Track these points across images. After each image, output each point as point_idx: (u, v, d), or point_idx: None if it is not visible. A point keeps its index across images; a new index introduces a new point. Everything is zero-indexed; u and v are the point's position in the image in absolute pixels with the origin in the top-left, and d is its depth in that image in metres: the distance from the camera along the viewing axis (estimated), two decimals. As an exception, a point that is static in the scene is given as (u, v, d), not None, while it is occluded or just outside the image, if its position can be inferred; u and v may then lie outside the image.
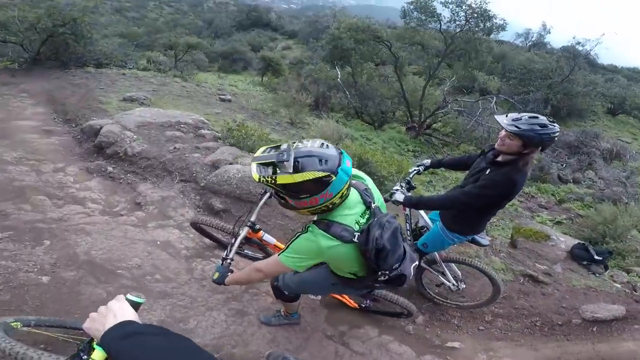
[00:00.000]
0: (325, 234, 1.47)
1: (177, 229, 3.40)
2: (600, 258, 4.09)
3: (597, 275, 3.96)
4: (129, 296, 0.97)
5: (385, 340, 2.76)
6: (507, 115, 2.16)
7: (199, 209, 3.76)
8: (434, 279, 3.12)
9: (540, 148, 2.18)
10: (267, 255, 2.97)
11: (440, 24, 13.56)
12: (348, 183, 1.44)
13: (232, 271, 1.98)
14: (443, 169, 2.73)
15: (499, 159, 2.31)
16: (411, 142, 12.50)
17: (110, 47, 11.21)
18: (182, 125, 5.48)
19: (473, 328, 3.11)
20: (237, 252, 2.25)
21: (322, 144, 1.42)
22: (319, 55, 22.35)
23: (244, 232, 2.25)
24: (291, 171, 1.34)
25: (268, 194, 2.41)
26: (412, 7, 13.72)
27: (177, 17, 36.91)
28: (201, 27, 33.90)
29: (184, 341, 0.76)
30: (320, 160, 1.35)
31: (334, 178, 1.37)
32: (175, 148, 4.64)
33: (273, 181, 1.38)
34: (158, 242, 3.17)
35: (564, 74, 16.91)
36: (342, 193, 1.45)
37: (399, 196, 2.51)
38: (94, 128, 5.00)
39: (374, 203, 1.62)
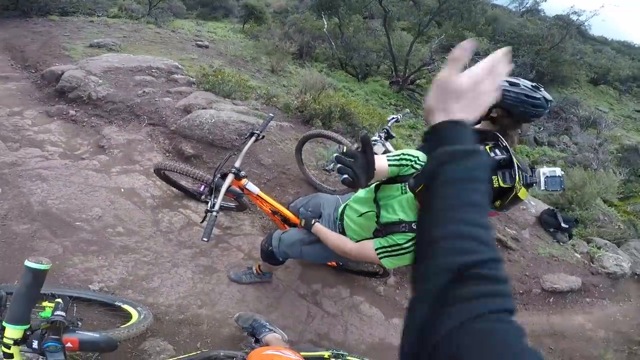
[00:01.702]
0: None
1: (144, 174, 3.25)
2: (567, 226, 4.22)
3: (561, 243, 4.12)
4: (28, 262, 0.88)
5: (357, 301, 2.79)
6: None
7: (167, 154, 3.63)
8: None
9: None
10: (241, 205, 2.83)
11: None
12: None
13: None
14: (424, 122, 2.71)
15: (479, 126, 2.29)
16: (394, 96, 12.40)
17: (76, -5, 10.06)
18: (153, 70, 5.18)
19: None
20: (205, 200, 2.05)
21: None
22: (305, 4, 21.14)
23: (229, 179, 2.01)
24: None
25: (254, 138, 2.25)
26: None
27: None
28: None
29: None
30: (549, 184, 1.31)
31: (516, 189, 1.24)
32: (144, 92, 4.39)
33: (517, 191, 1.27)
34: (122, 190, 3.00)
35: (554, 41, 16.68)
36: None
37: (379, 148, 2.49)
38: (55, 73, 4.62)
39: None
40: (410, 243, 1.47)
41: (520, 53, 16.56)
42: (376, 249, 1.59)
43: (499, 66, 0.62)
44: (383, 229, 1.58)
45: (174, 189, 3.12)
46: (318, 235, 1.90)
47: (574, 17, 18.24)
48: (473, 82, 0.58)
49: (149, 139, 3.75)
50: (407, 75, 13.32)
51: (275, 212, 2.35)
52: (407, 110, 2.97)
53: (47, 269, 0.93)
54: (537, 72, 15.95)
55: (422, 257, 0.52)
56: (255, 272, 2.50)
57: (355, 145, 2.84)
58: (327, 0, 14.46)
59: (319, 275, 2.82)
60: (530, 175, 1.25)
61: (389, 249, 1.54)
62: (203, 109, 3.94)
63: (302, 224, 1.99)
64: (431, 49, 13.46)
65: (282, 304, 2.53)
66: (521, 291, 3.44)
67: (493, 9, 21.67)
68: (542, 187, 1.29)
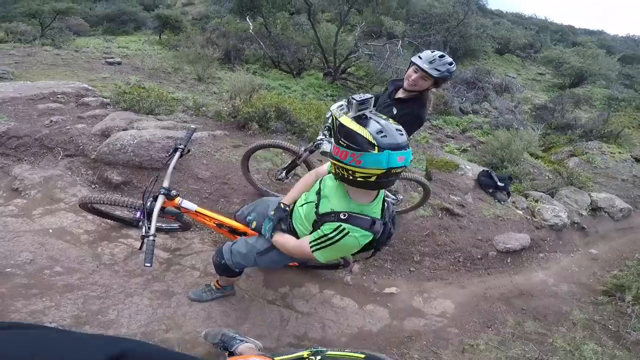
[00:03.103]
0: (368, 232, 1.48)
1: (72, 212, 2.94)
2: (503, 184, 4.50)
3: (502, 202, 4.38)
4: None
5: (328, 295, 2.80)
6: (421, 57, 2.24)
7: (93, 185, 3.28)
8: None
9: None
10: (185, 224, 2.73)
11: None
12: (386, 171, 1.33)
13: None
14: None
15: (401, 95, 2.41)
16: (329, 87, 12.58)
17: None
18: (59, 96, 4.64)
19: (405, 270, 3.31)
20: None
21: (399, 129, 1.36)
22: (226, 8, 20.57)
23: (159, 201, 1.92)
24: (356, 120, 1.33)
25: (178, 154, 2.14)
26: None
27: None
28: None
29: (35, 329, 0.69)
30: (380, 132, 1.30)
31: (374, 152, 1.29)
32: (52, 121, 3.92)
33: (337, 116, 1.41)
34: (50, 231, 2.73)
35: (459, 18, 18.12)
36: (375, 174, 1.34)
37: (327, 146, 2.49)
38: None
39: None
40: (335, 232, 1.48)
41: (433, 32, 17.79)
42: (309, 242, 1.59)
43: None
44: (319, 220, 1.57)
45: (109, 221, 2.89)
46: (277, 241, 1.85)
47: None
48: None
49: (69, 173, 3.34)
50: (337, 65, 13.59)
51: (220, 225, 2.27)
52: (341, 103, 2.99)
53: None
54: (450, 48, 17.29)
55: None
56: (214, 287, 2.41)
57: (303, 148, 2.83)
58: (247, 1, 14.09)
59: (284, 277, 2.79)
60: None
61: (319, 241, 1.54)
62: (123, 130, 3.61)
63: (253, 228, 1.96)
64: (355, 37, 13.86)
65: (251, 314, 2.48)
66: (479, 256, 3.63)
67: None
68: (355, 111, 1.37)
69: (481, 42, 19.02)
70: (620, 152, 7.38)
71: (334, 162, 1.41)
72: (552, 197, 4.98)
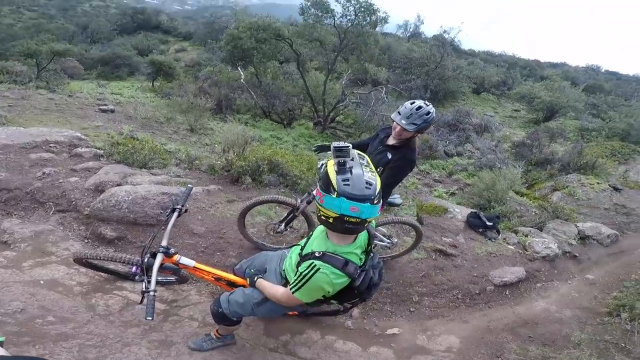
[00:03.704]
0: (340, 272, 1.56)
1: (64, 265, 2.91)
2: (491, 223, 4.69)
3: (493, 240, 4.55)
4: None
5: (330, 340, 2.78)
6: (399, 113, 2.55)
7: (86, 240, 3.24)
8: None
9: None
10: (182, 278, 2.78)
11: (334, 19, 14.22)
12: (339, 216, 1.47)
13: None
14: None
15: (393, 142, 2.71)
16: (319, 137, 12.88)
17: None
18: (51, 145, 4.64)
19: (405, 311, 3.34)
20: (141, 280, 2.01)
21: (368, 181, 1.46)
22: (218, 56, 21.47)
23: (158, 259, 2.01)
24: (335, 168, 1.48)
25: (176, 213, 2.23)
26: (309, 3, 14.15)
27: (41, 22, 31.03)
28: (73, 32, 29.34)
29: None
30: (346, 180, 1.44)
31: (333, 196, 1.45)
32: (44, 173, 3.90)
33: (324, 166, 1.55)
34: (41, 282, 2.70)
35: (437, 60, 19.31)
36: (332, 216, 1.49)
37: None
38: None
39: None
40: (307, 269, 1.56)
41: (414, 77, 18.80)
42: (290, 286, 1.65)
43: None
44: (301, 261, 1.66)
45: (102, 274, 2.87)
46: (261, 289, 1.93)
47: (446, 36, 21.39)
48: None
49: (61, 228, 3.31)
50: (326, 114, 14.07)
51: (218, 279, 2.33)
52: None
53: (2, 341, 0.86)
54: (431, 91, 18.24)
55: None
56: (214, 337, 2.40)
57: (299, 200, 2.92)
58: (239, 51, 14.67)
59: (285, 325, 2.77)
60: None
61: (296, 281, 1.62)
62: (117, 185, 3.63)
63: (249, 283, 2.02)
64: (342, 85, 14.52)
65: None
66: (477, 291, 3.70)
67: (385, 38, 24.16)
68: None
69: (459, 83, 20.11)
70: (598, 183, 7.70)
71: (318, 205, 1.55)
72: (541, 231, 5.16)
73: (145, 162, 4.40)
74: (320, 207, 1.52)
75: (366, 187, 1.44)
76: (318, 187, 1.53)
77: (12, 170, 3.89)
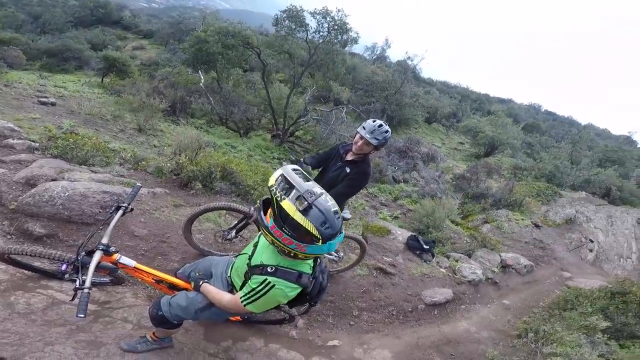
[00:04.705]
0: (293, 284, 1.58)
1: (-19, 260, 2.63)
2: (428, 247, 5.09)
3: (428, 262, 4.92)
4: None
5: (273, 348, 2.80)
6: (364, 128, 2.85)
7: (9, 237, 2.96)
8: None
9: None
10: (117, 279, 2.67)
11: (307, 33, 14.28)
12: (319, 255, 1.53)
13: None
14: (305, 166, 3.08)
15: (352, 157, 2.99)
16: (276, 149, 12.83)
17: None
18: (-23, 134, 4.23)
19: (346, 324, 3.50)
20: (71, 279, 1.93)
21: (336, 211, 1.46)
22: (179, 57, 20.74)
23: (97, 256, 1.92)
24: (300, 208, 1.40)
25: (121, 211, 2.15)
26: (284, 15, 14.10)
27: None
28: (23, 21, 26.91)
29: None
30: (324, 223, 1.41)
31: (319, 244, 1.44)
32: (-35, 163, 3.55)
33: (279, 199, 1.41)
34: None
35: (397, 86, 19.91)
36: (310, 257, 1.55)
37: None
38: None
39: None
40: (262, 286, 1.59)
41: (374, 100, 19.27)
42: (240, 298, 1.67)
43: None
44: (249, 271, 1.68)
45: (25, 271, 2.65)
46: (206, 294, 1.91)
47: (410, 62, 22.09)
48: None
49: (-21, 222, 2.99)
50: (286, 127, 14.04)
51: (159, 281, 2.27)
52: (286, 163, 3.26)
53: None
54: (388, 116, 19.00)
55: None
56: (150, 339, 2.31)
57: (253, 208, 2.95)
58: (204, 54, 14.30)
59: (227, 331, 2.74)
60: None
61: (249, 295, 1.64)
62: (52, 180, 3.39)
63: (194, 287, 1.99)
64: (305, 101, 14.70)
65: None
66: (410, 309, 3.96)
67: (352, 58, 24.80)
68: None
69: (414, 111, 20.98)
70: (522, 219, 8.63)
71: (275, 239, 1.50)
72: (470, 257, 5.66)
73: (86, 159, 4.16)
74: (297, 252, 1.49)
75: (337, 218, 1.45)
76: (287, 236, 1.45)
77: None
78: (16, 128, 4.71)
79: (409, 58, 22.03)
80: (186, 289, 2.20)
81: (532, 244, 7.48)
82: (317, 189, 1.49)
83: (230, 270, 2.05)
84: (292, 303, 1.76)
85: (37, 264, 2.66)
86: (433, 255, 5.10)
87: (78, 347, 2.22)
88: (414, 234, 5.46)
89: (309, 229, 1.40)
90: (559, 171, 15.16)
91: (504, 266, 5.82)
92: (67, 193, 3.11)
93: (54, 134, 4.52)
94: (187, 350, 2.47)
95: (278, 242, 1.51)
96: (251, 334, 2.84)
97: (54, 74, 15.62)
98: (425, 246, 5.06)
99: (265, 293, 1.58)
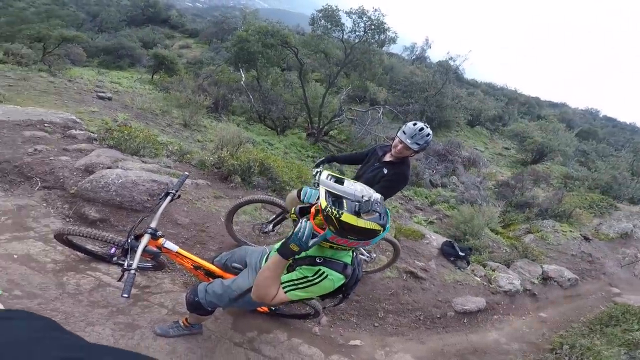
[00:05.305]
0: (340, 274, 1.62)
1: (41, 241, 2.93)
2: (464, 254, 4.90)
3: (462, 269, 4.75)
4: None
5: (295, 343, 2.87)
6: (404, 132, 2.73)
7: (68, 219, 3.28)
8: None
9: None
10: (159, 264, 2.80)
11: (343, 33, 14.29)
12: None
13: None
14: (337, 164, 3.09)
15: (390, 159, 2.90)
16: (311, 148, 12.95)
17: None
18: (46, 125, 4.71)
19: (369, 325, 3.48)
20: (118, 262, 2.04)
21: (378, 197, 1.50)
22: (222, 56, 21.54)
23: (145, 239, 2.04)
24: (360, 215, 1.45)
25: (169, 198, 2.26)
26: (320, 15, 14.18)
27: (53, 8, 30.82)
28: (83, 19, 29.37)
29: (47, 323, 0.80)
30: (380, 217, 1.47)
31: (382, 234, 1.51)
32: (36, 150, 3.96)
33: (337, 216, 1.44)
34: (15, 256, 2.70)
35: (438, 87, 19.24)
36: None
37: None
38: None
39: None
40: (315, 275, 1.63)
41: (412, 101, 18.71)
42: (283, 282, 1.68)
43: None
44: (294, 264, 1.71)
45: (79, 253, 2.89)
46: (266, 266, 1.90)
47: (451, 63, 20.96)
48: None
49: (44, 204, 3.34)
50: (321, 127, 14.10)
51: (197, 267, 2.38)
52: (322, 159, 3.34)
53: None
54: (427, 117, 18.38)
55: None
56: (182, 325, 2.44)
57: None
58: (245, 53, 14.72)
59: (254, 323, 2.83)
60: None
61: (297, 282, 1.66)
62: (108, 168, 3.70)
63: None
64: (340, 101, 14.66)
65: (217, 354, 2.49)
66: (438, 315, 3.86)
67: (389, 57, 24.29)
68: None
69: (455, 113, 20.08)
70: (571, 231, 8.02)
71: (335, 245, 1.58)
72: (508, 267, 5.38)
73: (138, 150, 4.47)
74: (356, 247, 1.60)
75: (381, 203, 1.53)
76: (352, 240, 1.51)
77: (3, 144, 3.94)
78: (78, 120, 5.20)
79: (450, 58, 21.00)
80: (222, 277, 2.30)
81: (579, 257, 6.95)
82: (358, 186, 1.55)
83: (264, 261, 2.11)
84: (326, 295, 1.78)
85: (89, 246, 2.88)
86: (468, 263, 4.91)
87: (116, 328, 2.38)
88: (449, 240, 5.29)
89: (372, 228, 1.47)
90: (616, 182, 13.62)
91: (545, 278, 5.47)
92: (120, 180, 3.39)
93: (110, 126, 4.92)
94: (214, 338, 2.58)
95: (340, 247, 1.60)
96: (276, 327, 2.91)
97: (110, 70, 16.84)
98: (460, 253, 4.89)
99: (318, 282, 1.63)
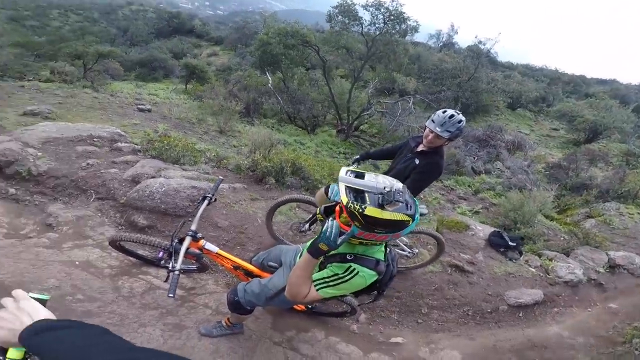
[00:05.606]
0: (372, 270, 1.59)
1: (98, 248, 3.16)
2: (514, 244, 4.57)
3: (514, 260, 4.43)
4: (33, 294, 0.93)
5: (333, 341, 2.85)
6: (433, 121, 2.61)
7: (120, 227, 3.51)
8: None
9: None
10: (202, 266, 2.92)
11: (362, 27, 14.07)
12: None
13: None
14: (371, 160, 3.03)
15: (423, 148, 2.78)
16: (342, 144, 12.88)
17: (3, 58, 9.75)
18: (95, 139, 5.03)
19: (412, 322, 3.36)
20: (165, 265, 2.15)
21: (400, 187, 1.46)
22: (247, 61, 22.04)
23: (187, 241, 2.15)
24: (385, 207, 1.39)
25: (207, 202, 2.35)
26: (336, 11, 14.08)
27: (86, 25, 33.53)
28: (115, 35, 31.36)
29: (99, 329, 0.80)
30: (406, 206, 1.43)
31: (410, 225, 1.47)
32: (88, 164, 4.25)
33: (360, 210, 1.39)
34: (77, 263, 2.93)
35: (470, 72, 18.47)
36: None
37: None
38: (-15, 148, 4.33)
39: None
40: (346, 272, 1.59)
41: (444, 88, 18.02)
42: (314, 280, 1.66)
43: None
44: (325, 261, 1.68)
45: (131, 258, 3.08)
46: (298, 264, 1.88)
47: (482, 47, 20.21)
48: None
49: (99, 214, 3.60)
50: (350, 122, 13.99)
51: (237, 267, 2.46)
52: (357, 156, 3.28)
53: (48, 299, 0.98)
54: (462, 104, 17.56)
55: None
56: (225, 325, 2.52)
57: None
58: (268, 56, 14.98)
59: (292, 322, 2.86)
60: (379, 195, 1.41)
61: (327, 279, 1.64)
62: (152, 177, 3.89)
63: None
64: (368, 94, 14.42)
65: (257, 353, 2.54)
66: (489, 310, 3.64)
67: (415, 47, 23.56)
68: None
69: (492, 96, 19.24)
70: (639, 213, 7.26)
71: (364, 240, 1.54)
72: (567, 256, 4.93)
73: (178, 159, 4.67)
74: (387, 240, 1.57)
75: (409, 196, 1.49)
76: (381, 234, 1.47)
77: (60, 160, 4.26)
78: (123, 133, 5.51)
79: (480, 42, 20.17)
80: (259, 276, 2.35)
81: (651, 241, 6.25)
82: (380, 178, 1.48)
83: (298, 259, 2.11)
84: (359, 292, 1.76)
85: (140, 251, 3.06)
86: (521, 253, 4.57)
87: (165, 329, 2.50)
88: (497, 229, 4.97)
89: (399, 219, 1.42)
90: (687, 156, 12.37)
91: (612, 266, 4.93)
92: (164, 188, 3.56)
93: (152, 137, 5.18)
94: (254, 338, 2.64)
95: (370, 242, 1.55)
96: (313, 326, 2.91)
97: (146, 82, 17.73)
98: (511, 243, 4.55)
99: (349, 279, 1.60)
